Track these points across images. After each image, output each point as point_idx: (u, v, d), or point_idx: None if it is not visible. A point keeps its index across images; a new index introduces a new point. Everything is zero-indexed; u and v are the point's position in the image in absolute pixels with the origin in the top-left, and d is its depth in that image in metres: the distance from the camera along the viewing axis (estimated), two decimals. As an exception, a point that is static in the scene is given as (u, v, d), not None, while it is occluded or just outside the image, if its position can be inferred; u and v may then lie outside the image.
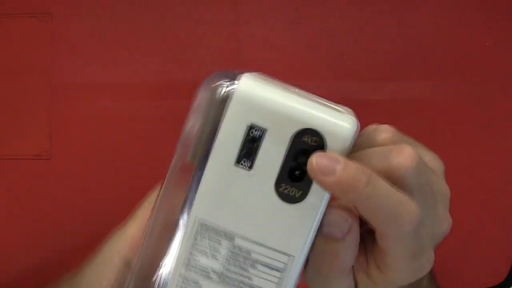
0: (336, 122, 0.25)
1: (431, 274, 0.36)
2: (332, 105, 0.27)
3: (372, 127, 0.29)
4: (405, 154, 0.25)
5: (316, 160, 0.24)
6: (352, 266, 0.28)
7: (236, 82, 0.25)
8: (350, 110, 0.27)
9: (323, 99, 0.27)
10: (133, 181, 0.55)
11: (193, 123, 0.27)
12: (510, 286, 0.54)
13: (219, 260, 0.26)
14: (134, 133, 0.56)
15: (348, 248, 0.26)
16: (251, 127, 0.25)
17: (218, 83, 0.26)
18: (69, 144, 0.56)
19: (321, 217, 0.26)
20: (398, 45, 0.56)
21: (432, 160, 0.30)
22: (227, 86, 0.26)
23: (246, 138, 0.25)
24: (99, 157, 0.56)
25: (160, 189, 0.28)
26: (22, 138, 0.57)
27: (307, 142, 0.25)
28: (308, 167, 0.24)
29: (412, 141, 0.29)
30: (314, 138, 0.25)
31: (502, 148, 0.55)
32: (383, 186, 0.24)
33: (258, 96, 0.25)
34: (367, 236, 0.28)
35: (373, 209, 0.25)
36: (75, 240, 0.56)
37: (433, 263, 0.27)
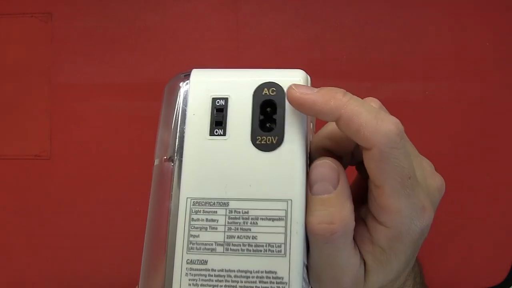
0: (287, 72, 0.28)
1: (422, 278, 0.35)
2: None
3: None
4: (389, 127, 0.25)
5: (294, 86, 0.26)
6: (358, 247, 0.27)
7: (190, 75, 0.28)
8: None
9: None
10: (133, 180, 0.55)
11: (164, 124, 0.28)
12: (510, 286, 0.54)
13: (220, 230, 0.25)
14: (133, 133, 0.56)
15: (344, 200, 0.25)
16: (214, 99, 0.27)
17: (176, 83, 0.28)
18: (69, 144, 0.56)
19: (306, 153, 0.26)
20: (398, 45, 0.56)
21: None
22: (184, 82, 0.28)
23: (212, 110, 0.27)
24: (99, 157, 0.56)
25: (150, 193, 0.28)
26: (22, 138, 0.57)
27: (268, 94, 0.27)
28: (288, 92, 0.26)
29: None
30: (273, 89, 0.27)
31: (502, 147, 0.55)
32: (359, 98, 0.26)
33: (212, 75, 0.28)
34: (363, 209, 0.28)
35: (355, 116, 0.25)
36: (75, 239, 0.56)
37: (432, 218, 0.27)
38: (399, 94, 0.55)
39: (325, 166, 0.26)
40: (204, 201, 0.26)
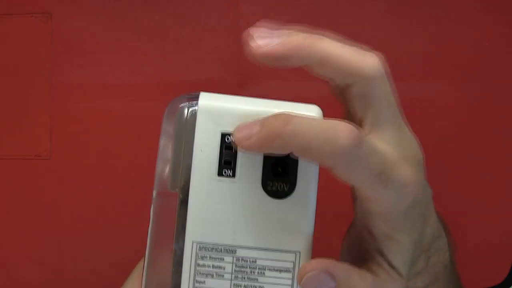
0: (302, 110, 0.26)
1: (454, 267, 0.34)
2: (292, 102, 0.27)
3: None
4: (373, 60, 0.25)
5: (236, 133, 0.24)
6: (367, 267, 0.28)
7: (196, 101, 0.26)
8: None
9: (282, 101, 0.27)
10: (133, 181, 0.55)
11: (165, 152, 0.27)
12: (510, 286, 0.54)
13: (226, 277, 0.25)
14: (133, 133, 0.56)
15: None
16: (223, 135, 0.25)
17: (180, 106, 0.26)
18: (69, 144, 0.56)
19: (316, 203, 0.26)
20: (398, 45, 0.56)
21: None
22: (189, 107, 0.26)
23: (221, 148, 0.25)
24: (99, 157, 0.56)
25: (149, 226, 0.27)
26: (22, 138, 0.57)
27: None
28: (232, 141, 0.25)
29: None
30: None
31: (502, 148, 0.55)
32: (304, 119, 0.24)
33: (222, 105, 0.25)
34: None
35: (306, 145, 0.23)
36: (75, 239, 0.56)
37: (420, 183, 0.26)
38: (399, 94, 0.55)
39: (320, 276, 0.25)
40: (210, 246, 0.25)
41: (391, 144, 0.26)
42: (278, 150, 0.24)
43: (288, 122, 0.23)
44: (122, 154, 0.56)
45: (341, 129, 0.24)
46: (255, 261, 0.25)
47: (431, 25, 0.56)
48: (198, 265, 0.25)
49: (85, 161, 0.56)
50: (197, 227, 0.25)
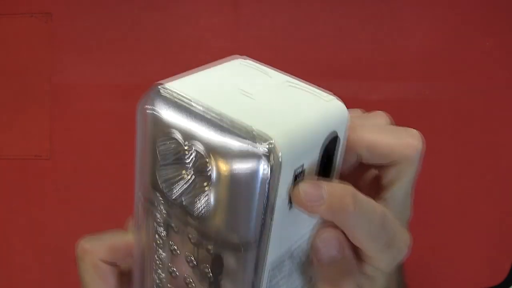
0: (338, 111, 0.25)
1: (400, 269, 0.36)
2: (312, 90, 0.26)
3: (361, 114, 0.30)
4: (413, 142, 0.27)
5: (302, 191, 0.24)
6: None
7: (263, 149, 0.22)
8: (329, 93, 0.26)
9: (299, 81, 0.27)
10: (133, 180, 0.55)
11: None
12: (510, 286, 0.54)
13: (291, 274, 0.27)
14: (133, 133, 0.56)
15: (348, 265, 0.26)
16: (295, 175, 0.24)
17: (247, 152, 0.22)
18: (69, 144, 0.56)
19: None
20: (398, 45, 0.56)
21: None
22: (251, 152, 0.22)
23: (293, 184, 0.24)
24: (99, 157, 0.56)
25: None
26: (22, 138, 0.57)
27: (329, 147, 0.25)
28: (295, 199, 0.24)
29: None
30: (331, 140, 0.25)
31: (501, 148, 0.55)
32: (366, 202, 0.25)
33: (293, 152, 0.23)
34: None
35: (361, 228, 0.25)
36: (75, 239, 0.56)
37: (409, 242, 0.28)
38: (399, 94, 0.55)
39: (332, 241, 0.26)
40: (276, 263, 0.25)
41: (397, 209, 0.28)
42: (334, 220, 0.25)
43: (356, 203, 0.24)
44: (122, 154, 0.56)
45: (401, 231, 0.26)
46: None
47: (431, 25, 0.56)
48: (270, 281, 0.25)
49: (85, 161, 0.56)
50: (272, 264, 0.25)
